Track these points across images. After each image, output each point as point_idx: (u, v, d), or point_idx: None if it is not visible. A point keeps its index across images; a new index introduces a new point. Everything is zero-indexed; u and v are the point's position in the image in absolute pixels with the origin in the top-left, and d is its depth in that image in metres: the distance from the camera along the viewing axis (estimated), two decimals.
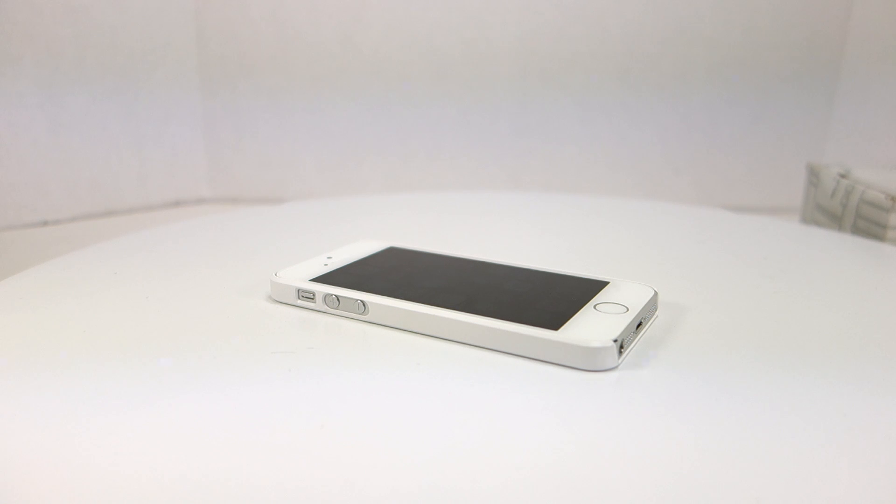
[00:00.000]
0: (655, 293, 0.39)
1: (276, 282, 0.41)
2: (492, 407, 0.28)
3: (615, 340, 0.32)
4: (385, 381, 0.31)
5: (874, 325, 0.38)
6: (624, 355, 0.33)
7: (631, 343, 0.34)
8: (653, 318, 0.39)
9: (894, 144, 1.87)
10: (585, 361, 0.32)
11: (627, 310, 0.36)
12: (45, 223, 1.73)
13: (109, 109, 1.80)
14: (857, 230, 0.82)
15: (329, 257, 0.46)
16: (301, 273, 0.42)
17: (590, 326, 0.34)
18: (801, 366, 0.33)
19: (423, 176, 2.01)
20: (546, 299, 0.38)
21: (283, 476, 0.24)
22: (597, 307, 0.36)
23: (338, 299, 0.39)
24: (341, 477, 0.24)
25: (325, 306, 0.39)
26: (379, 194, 1.25)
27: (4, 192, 1.67)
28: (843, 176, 0.90)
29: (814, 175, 0.98)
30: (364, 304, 0.38)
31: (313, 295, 0.40)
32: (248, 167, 2.02)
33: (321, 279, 0.41)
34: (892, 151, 1.87)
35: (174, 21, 1.87)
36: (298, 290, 0.40)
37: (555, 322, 0.34)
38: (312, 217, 0.66)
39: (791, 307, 0.41)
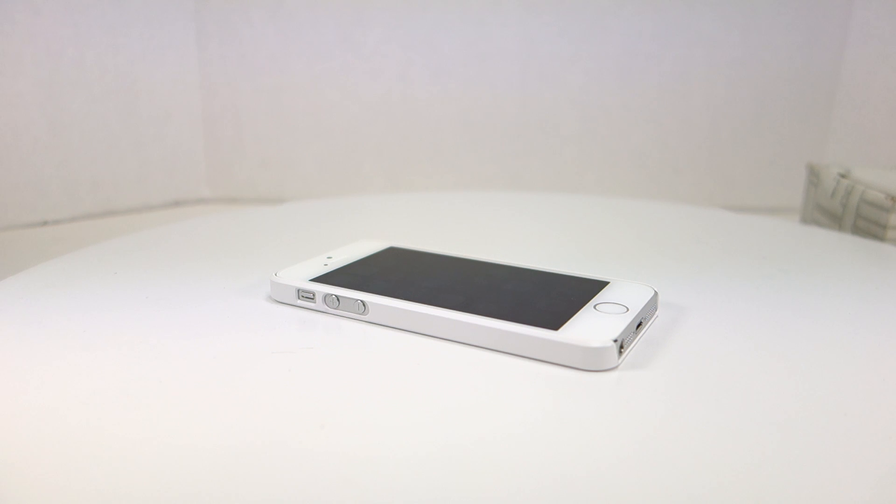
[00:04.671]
0: (655, 293, 0.39)
1: (276, 282, 0.41)
2: (492, 407, 0.28)
3: (615, 340, 0.32)
4: (385, 381, 0.31)
5: (874, 325, 0.38)
6: (624, 355, 0.33)
7: (631, 343, 0.34)
8: (653, 318, 0.39)
9: (894, 144, 1.87)
10: (585, 361, 0.32)
11: (627, 310, 0.36)
12: (45, 223, 1.73)
13: (109, 109, 1.80)
14: (857, 230, 0.82)
15: (329, 257, 0.46)
16: (301, 273, 0.42)
17: (590, 326, 0.34)
18: (801, 366, 0.33)
19: (423, 176, 2.01)
20: (546, 299, 0.38)
21: (283, 476, 0.23)
22: (597, 307, 0.36)
23: (338, 299, 0.39)
24: (341, 477, 0.24)
25: (325, 306, 0.39)
26: (379, 194, 1.25)
27: (4, 192, 1.66)
28: (843, 176, 0.90)
29: (814, 175, 0.98)
30: (364, 304, 0.38)
31: (313, 295, 0.40)
32: (248, 167, 2.02)
33: (321, 279, 0.41)
34: (892, 151, 1.87)
35: (174, 21, 1.87)
36: (298, 290, 0.40)
37: (555, 322, 0.34)
38: (312, 217, 0.66)
39: (791, 307, 0.41)
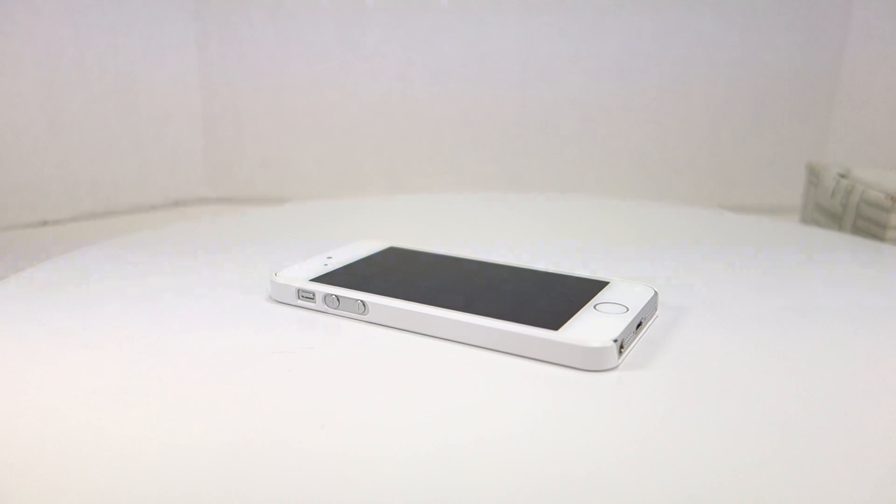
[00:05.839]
0: (655, 293, 0.39)
1: (276, 282, 0.41)
2: (492, 407, 0.28)
3: (615, 340, 0.32)
4: (385, 381, 0.31)
5: (874, 325, 0.38)
6: (624, 355, 0.33)
7: (631, 343, 0.34)
8: (653, 318, 0.39)
9: (894, 144, 1.87)
10: (585, 361, 0.32)
11: (627, 310, 0.36)
12: (45, 223, 1.73)
13: (109, 109, 1.80)
14: (857, 230, 0.82)
15: (329, 257, 0.46)
16: (301, 273, 0.42)
17: (590, 326, 0.34)
18: (801, 366, 0.33)
19: (423, 176, 2.01)
20: (546, 299, 0.38)
21: (283, 476, 0.24)
22: (597, 307, 0.36)
23: (338, 299, 0.39)
24: (341, 477, 0.24)
25: (325, 306, 0.39)
26: (379, 194, 1.25)
27: (4, 192, 1.66)
28: (843, 176, 0.90)
29: (814, 175, 0.98)
30: (364, 304, 0.38)
31: (313, 295, 0.40)
32: (248, 167, 2.02)
33: (321, 279, 0.41)
34: (892, 151, 1.87)
35: (174, 21, 1.87)
36: (298, 290, 0.40)
37: (555, 322, 0.34)
38: (312, 217, 0.66)
39: (791, 307, 0.41)
